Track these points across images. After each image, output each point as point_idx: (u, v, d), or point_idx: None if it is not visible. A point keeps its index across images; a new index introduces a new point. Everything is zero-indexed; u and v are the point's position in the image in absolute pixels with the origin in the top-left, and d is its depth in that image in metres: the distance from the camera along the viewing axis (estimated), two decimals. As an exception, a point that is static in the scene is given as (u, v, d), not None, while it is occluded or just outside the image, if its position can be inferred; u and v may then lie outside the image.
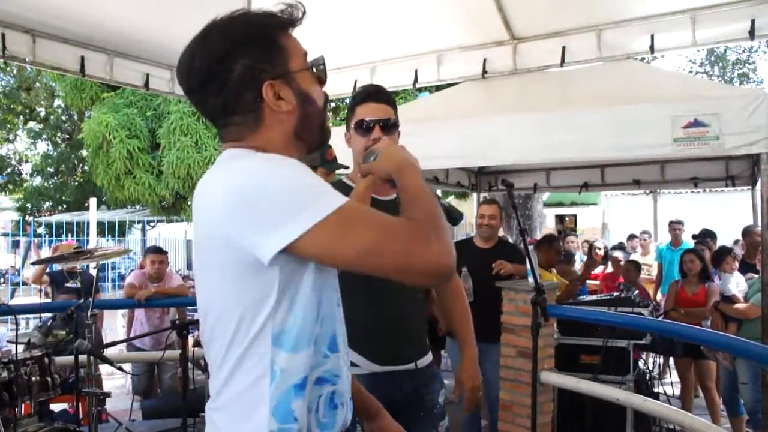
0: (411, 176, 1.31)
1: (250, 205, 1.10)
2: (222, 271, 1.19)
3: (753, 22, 4.29)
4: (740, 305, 5.01)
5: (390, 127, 2.21)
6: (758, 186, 4.43)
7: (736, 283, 5.20)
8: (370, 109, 2.21)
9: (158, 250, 5.94)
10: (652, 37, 4.72)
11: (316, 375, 1.25)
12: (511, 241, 7.60)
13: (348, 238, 1.10)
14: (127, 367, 6.26)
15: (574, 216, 19.93)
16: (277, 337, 1.19)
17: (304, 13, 1.29)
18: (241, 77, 1.22)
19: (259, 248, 1.11)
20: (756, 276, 5.27)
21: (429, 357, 2.33)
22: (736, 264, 5.49)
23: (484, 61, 5.26)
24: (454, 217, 1.65)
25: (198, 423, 4.20)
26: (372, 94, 2.24)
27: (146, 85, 5.71)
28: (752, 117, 3.97)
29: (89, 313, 4.12)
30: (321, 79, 1.34)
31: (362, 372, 2.13)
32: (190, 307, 6.89)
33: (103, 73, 5.38)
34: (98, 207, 16.62)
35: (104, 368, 4.91)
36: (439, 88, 6.72)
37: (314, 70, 1.33)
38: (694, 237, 7.71)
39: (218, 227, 1.15)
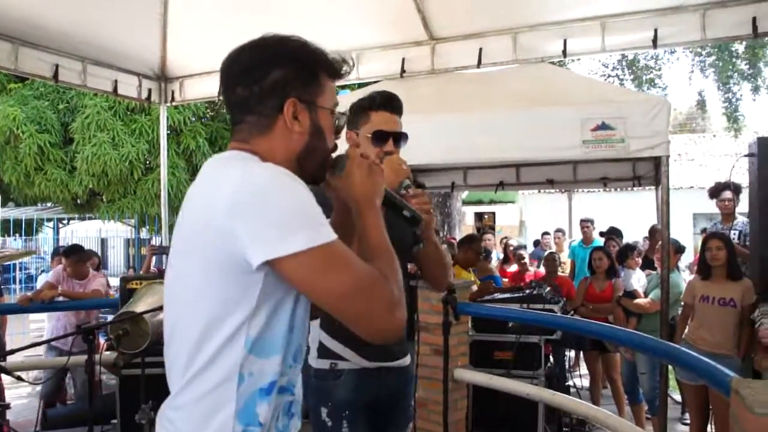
0: (373, 218, 1.37)
1: (257, 207, 1.14)
2: (206, 263, 1.20)
3: (656, 31, 4.51)
4: (640, 300, 5.26)
5: (401, 140, 2.21)
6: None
7: (638, 279, 5.46)
8: (385, 118, 2.20)
9: (67, 253, 5.61)
10: (565, 41, 4.87)
11: (281, 383, 1.28)
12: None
13: (327, 278, 1.17)
14: (34, 374, 5.98)
15: (493, 214, 20.43)
16: (253, 343, 1.22)
17: (348, 72, 1.41)
18: (274, 82, 1.30)
19: (249, 251, 1.14)
20: (654, 272, 5.56)
21: (409, 357, 2.36)
22: (639, 260, 5.76)
23: (403, 60, 5.31)
24: (418, 220, 1.68)
25: (108, 431, 4.07)
26: (388, 102, 2.23)
27: (55, 76, 5.46)
28: (654, 122, 4.20)
29: (-12, 318, 3.92)
30: (338, 128, 1.42)
31: (352, 367, 2.16)
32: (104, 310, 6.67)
33: (8, 62, 5.10)
34: (5, 204, 15.76)
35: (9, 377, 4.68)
36: (360, 86, 6.74)
37: (336, 118, 1.40)
38: (601, 234, 8.04)
39: (219, 222, 1.16)
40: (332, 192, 1.48)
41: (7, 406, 3.46)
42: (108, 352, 4.73)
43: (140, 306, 3.31)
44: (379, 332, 1.23)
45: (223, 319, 1.20)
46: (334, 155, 1.42)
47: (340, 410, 2.15)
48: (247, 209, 1.15)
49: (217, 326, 1.20)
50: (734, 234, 5.30)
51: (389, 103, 2.23)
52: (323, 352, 2.17)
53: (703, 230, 7.54)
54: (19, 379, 3.00)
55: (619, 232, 7.81)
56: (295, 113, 1.31)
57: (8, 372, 3.00)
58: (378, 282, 1.21)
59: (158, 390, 3.64)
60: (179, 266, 1.29)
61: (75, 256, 5.48)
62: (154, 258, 6.78)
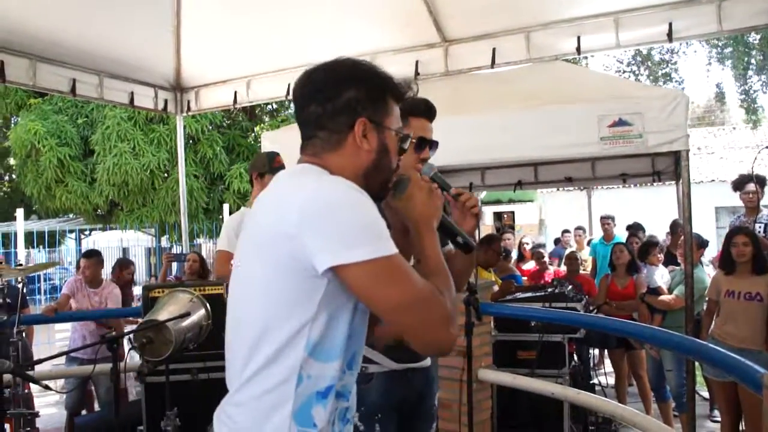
0: (431, 239, 1.45)
1: (327, 217, 1.22)
2: (274, 266, 1.27)
3: (670, 25, 4.47)
4: (665, 297, 5.19)
5: (434, 148, 2.23)
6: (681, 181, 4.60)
7: (661, 275, 5.40)
8: (424, 125, 2.20)
9: (86, 255, 5.72)
10: (579, 38, 4.85)
11: (337, 388, 1.34)
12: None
13: (387, 288, 1.24)
14: (61, 383, 6.04)
15: (512, 213, 20.31)
16: (314, 346, 1.28)
17: (412, 96, 1.52)
18: (347, 102, 1.38)
19: (316, 257, 1.22)
20: (678, 268, 5.48)
21: (429, 358, 2.38)
22: (662, 256, 5.69)
23: (417, 63, 5.31)
24: (471, 246, 1.70)
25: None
26: (428, 110, 2.23)
27: (73, 90, 5.54)
28: (672, 116, 4.15)
29: (15, 330, 3.97)
30: (401, 150, 1.49)
31: (381, 369, 2.21)
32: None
33: (26, 78, 5.19)
34: (28, 217, 15.99)
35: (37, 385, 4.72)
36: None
37: (401, 140, 1.48)
38: (628, 228, 7.97)
39: (290, 228, 1.23)
40: (391, 211, 1.54)
41: (36, 414, 3.51)
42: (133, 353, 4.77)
43: (163, 314, 3.33)
44: (432, 344, 1.32)
45: (284, 321, 1.27)
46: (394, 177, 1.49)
47: (372, 413, 2.18)
48: (318, 218, 1.22)
49: (279, 327, 1.27)
50: (759, 227, 5.22)
51: (429, 111, 2.24)
52: None
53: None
54: (47, 387, 3.03)
55: (642, 227, 7.75)
56: (364, 132, 1.38)
57: (36, 381, 3.04)
58: (434, 297, 1.28)
59: (183, 397, 3.68)
60: (246, 268, 1.36)
61: (95, 258, 5.56)
62: (174, 265, 6.80)
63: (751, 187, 5.36)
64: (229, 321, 1.41)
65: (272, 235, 1.27)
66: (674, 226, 6.69)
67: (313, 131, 1.41)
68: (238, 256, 1.42)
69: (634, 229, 7.74)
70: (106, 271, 6.37)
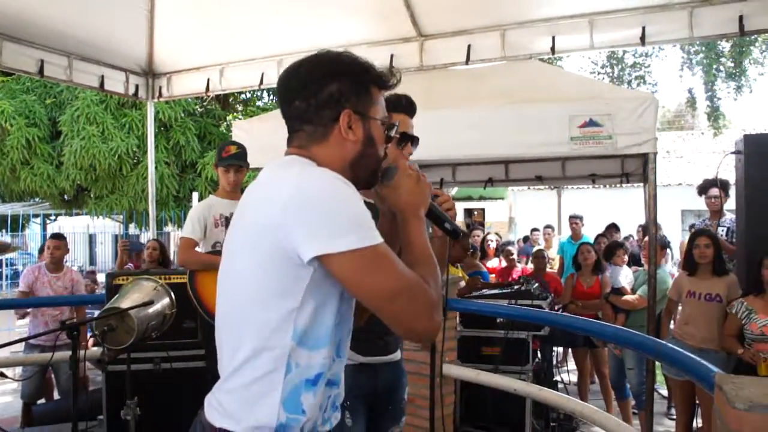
0: (417, 227, 1.46)
1: (312, 207, 1.24)
2: (261, 256, 1.29)
3: (643, 29, 4.53)
4: (629, 297, 5.28)
5: (415, 144, 2.23)
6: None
7: (625, 276, 5.49)
8: (405, 121, 2.21)
9: (55, 236, 5.60)
10: (553, 38, 4.89)
11: (328, 376, 1.37)
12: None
13: (372, 277, 1.26)
14: (19, 370, 5.94)
15: (483, 210, 20.44)
16: (301, 335, 1.30)
17: (396, 84, 1.51)
18: (330, 95, 1.40)
19: (301, 246, 1.24)
20: (641, 268, 5.57)
21: (400, 351, 2.40)
22: (626, 258, 5.78)
23: (391, 56, 5.30)
24: (458, 233, 1.70)
25: (93, 428, 4.04)
26: (409, 106, 2.24)
27: (41, 72, 5.42)
28: (641, 119, 4.22)
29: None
30: (387, 138, 1.51)
31: (349, 362, 2.19)
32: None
33: (-8, 57, 5.07)
34: (-9, 200, 15.64)
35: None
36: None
37: (386, 129, 1.49)
38: (608, 228, 8.10)
39: (276, 218, 1.26)
40: (379, 200, 1.55)
41: (-9, 403, 3.43)
42: (94, 348, 4.70)
43: (126, 302, 3.29)
44: (416, 332, 1.33)
45: (271, 310, 1.29)
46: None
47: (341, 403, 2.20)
48: (303, 208, 1.25)
49: (265, 316, 1.29)
50: (722, 231, 5.34)
51: (410, 107, 2.25)
52: None
53: (692, 226, 7.62)
54: (2, 375, 2.97)
55: (618, 229, 7.92)
56: (349, 123, 1.40)
57: (-11, 368, 2.98)
58: (419, 286, 1.30)
59: (144, 386, 3.62)
60: (235, 257, 1.38)
61: (64, 240, 5.48)
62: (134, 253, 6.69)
63: (715, 191, 5.48)
64: (219, 311, 1.43)
65: (259, 226, 1.29)
66: (647, 228, 6.81)
67: (299, 125, 1.43)
68: (225, 247, 1.44)
69: (614, 229, 7.91)
70: (72, 257, 6.27)
